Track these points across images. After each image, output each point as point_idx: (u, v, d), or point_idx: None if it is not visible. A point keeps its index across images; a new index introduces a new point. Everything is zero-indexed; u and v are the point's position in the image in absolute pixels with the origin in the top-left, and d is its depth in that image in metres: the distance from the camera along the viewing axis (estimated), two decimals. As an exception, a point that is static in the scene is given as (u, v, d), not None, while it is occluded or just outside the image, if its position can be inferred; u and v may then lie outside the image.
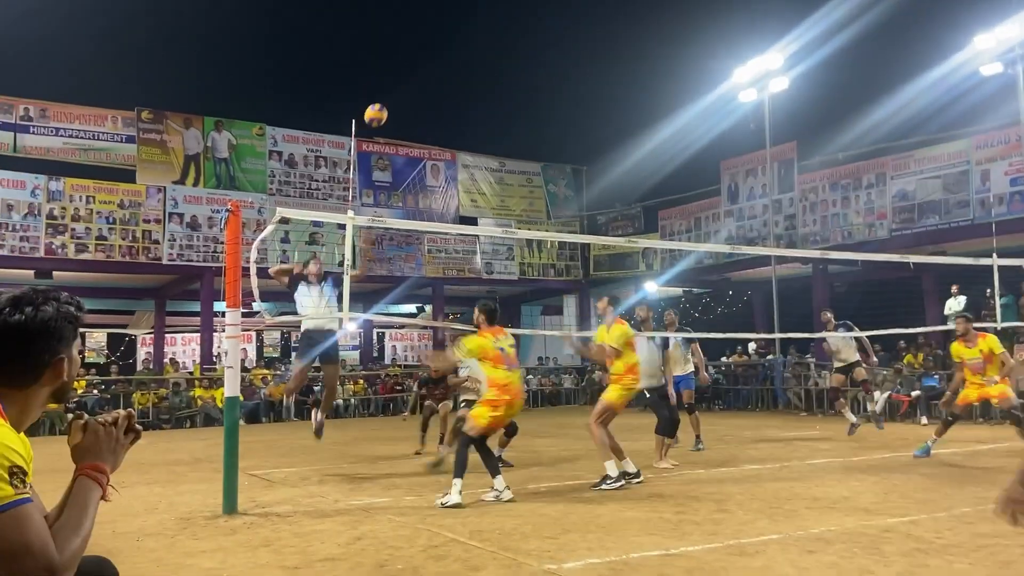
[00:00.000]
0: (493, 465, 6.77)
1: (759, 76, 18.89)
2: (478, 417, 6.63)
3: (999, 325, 12.53)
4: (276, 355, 26.78)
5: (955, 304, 15.61)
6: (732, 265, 21.72)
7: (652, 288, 24.67)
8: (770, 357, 18.69)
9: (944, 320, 15.89)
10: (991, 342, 8.93)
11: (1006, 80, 15.10)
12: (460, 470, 6.49)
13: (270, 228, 8.37)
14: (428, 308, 26.45)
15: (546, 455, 9.99)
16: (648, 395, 8.81)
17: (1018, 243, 13.96)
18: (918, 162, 18.18)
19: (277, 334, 27.69)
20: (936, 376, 15.01)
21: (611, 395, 7.39)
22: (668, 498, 6.61)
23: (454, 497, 6.37)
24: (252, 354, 25.96)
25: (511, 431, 8.59)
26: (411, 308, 27.51)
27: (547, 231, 24.50)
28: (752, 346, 20.33)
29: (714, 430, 12.13)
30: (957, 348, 9.14)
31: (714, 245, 19.65)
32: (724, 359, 20.40)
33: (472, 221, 23.84)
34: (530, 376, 22.47)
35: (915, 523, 5.41)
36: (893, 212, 18.48)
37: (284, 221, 7.32)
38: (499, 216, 25.01)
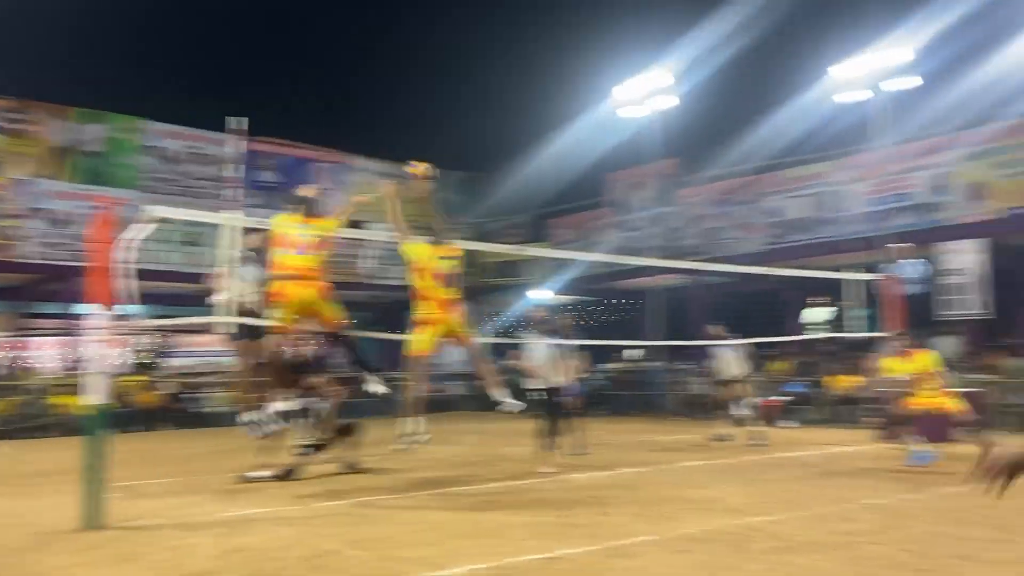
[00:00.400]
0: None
1: (646, 93, 19.57)
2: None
3: (853, 335, 13.44)
4: (150, 360, 25.48)
5: (814, 314, 16.60)
6: (619, 275, 22.35)
7: (541, 296, 25.06)
8: (652, 364, 19.31)
9: (804, 329, 16.88)
10: (927, 359, 8.80)
11: (864, 107, 16.25)
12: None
13: (142, 226, 7.97)
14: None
15: (432, 462, 9.95)
16: (539, 397, 8.96)
17: (873, 259, 15.02)
18: (787, 181, 19.32)
19: (151, 338, 26.33)
20: (799, 382, 15.94)
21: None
22: (551, 502, 6.73)
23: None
24: (125, 359, 24.60)
25: (348, 431, 8.88)
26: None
27: (437, 237, 24.44)
28: (636, 353, 20.94)
29: (597, 435, 12.42)
30: (891, 363, 8.97)
31: (600, 256, 20.16)
32: (609, 365, 20.91)
33: (360, 225, 23.50)
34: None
35: (778, 522, 5.73)
36: (765, 228, 19.56)
37: (159, 220, 6.98)
38: (388, 220, 24.76)
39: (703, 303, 20.88)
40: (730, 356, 11.82)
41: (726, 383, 12.06)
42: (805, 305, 17.04)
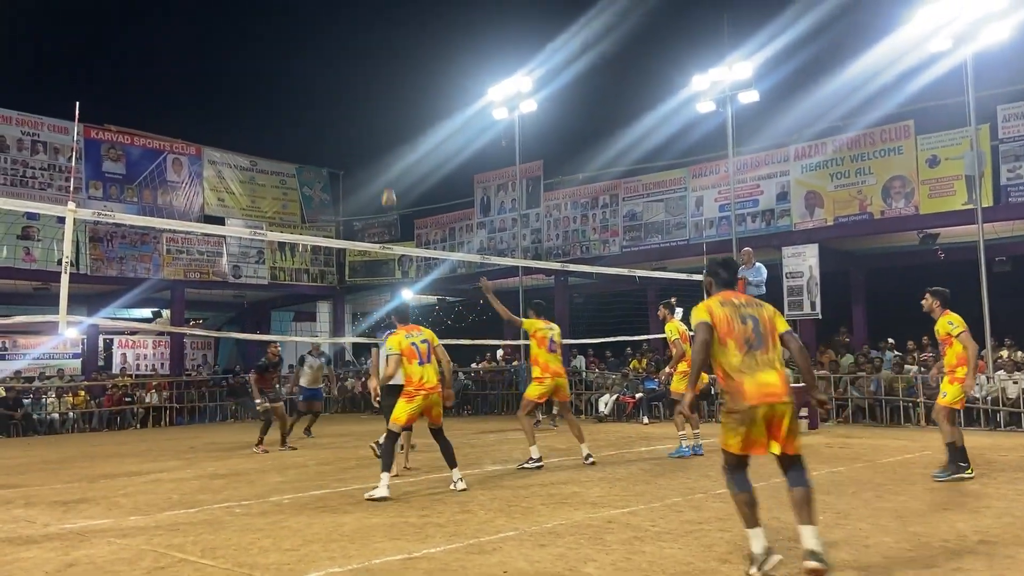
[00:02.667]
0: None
1: (511, 96, 19.82)
2: (398, 411, 7.15)
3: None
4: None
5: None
6: (484, 275, 22.52)
7: (408, 296, 24.87)
8: (515, 363, 19.59)
9: (662, 329, 17.62)
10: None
11: (718, 117, 17.19)
12: (388, 464, 6.94)
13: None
14: (166, 313, 24.53)
15: (292, 466, 9.66)
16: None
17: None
18: (645, 186, 20.17)
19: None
20: (656, 380, 16.63)
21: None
22: (413, 502, 6.69)
23: (382, 490, 6.75)
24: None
25: (316, 413, 10.56)
26: (146, 313, 25.34)
27: (301, 235, 23.79)
28: (500, 352, 21.18)
29: (461, 434, 12.48)
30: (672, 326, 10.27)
31: (466, 255, 20.26)
32: (473, 365, 21.05)
33: (219, 221, 22.49)
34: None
35: (634, 513, 5.95)
36: (624, 231, 20.32)
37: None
38: (249, 217, 23.86)
39: (566, 303, 21.38)
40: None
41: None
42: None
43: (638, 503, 6.38)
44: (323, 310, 26.68)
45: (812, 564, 3.73)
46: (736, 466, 4.05)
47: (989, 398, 13.04)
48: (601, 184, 21.06)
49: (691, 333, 4.35)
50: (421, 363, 7.22)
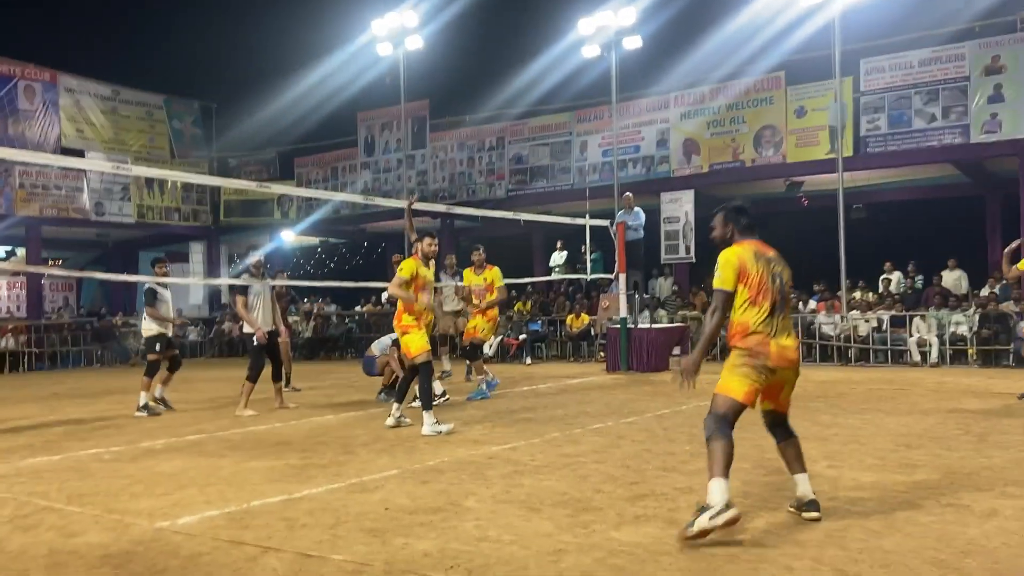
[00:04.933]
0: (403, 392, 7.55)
1: (396, 32, 19.26)
2: (419, 342, 7.20)
3: (589, 277, 14.56)
4: None
5: (558, 258, 17.72)
6: (368, 217, 22.13)
7: (288, 237, 24.14)
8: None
9: (549, 271, 17.97)
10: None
11: (605, 64, 17.35)
12: (428, 401, 7.10)
13: None
14: (21, 252, 22.87)
15: (165, 413, 9.33)
16: (255, 341, 8.78)
17: (606, 207, 16.29)
18: (531, 130, 20.22)
19: None
20: (539, 321, 17.00)
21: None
22: (295, 444, 6.62)
23: (437, 427, 6.84)
24: None
25: (174, 367, 9.40)
26: (-2, 251, 23.59)
27: (171, 170, 22.53)
28: (385, 296, 20.99)
29: (346, 377, 12.39)
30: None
31: (349, 195, 19.81)
32: (358, 308, 20.81)
33: (79, 154, 20.95)
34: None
35: (515, 449, 6.12)
36: (510, 174, 20.37)
37: None
38: (112, 150, 22.32)
39: (452, 246, 21.32)
40: (448, 291, 11.99)
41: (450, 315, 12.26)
42: (554, 250, 18.10)
43: (519, 439, 6.55)
44: (196, 251, 25.54)
45: (813, 515, 3.95)
46: (732, 414, 3.88)
47: (842, 336, 14.08)
48: (488, 127, 20.94)
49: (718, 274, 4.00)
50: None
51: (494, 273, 10.03)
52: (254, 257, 9.66)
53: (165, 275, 9.36)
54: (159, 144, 23.94)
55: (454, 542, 3.73)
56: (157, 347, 9.18)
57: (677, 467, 5.37)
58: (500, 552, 3.57)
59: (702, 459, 5.61)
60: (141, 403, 8.98)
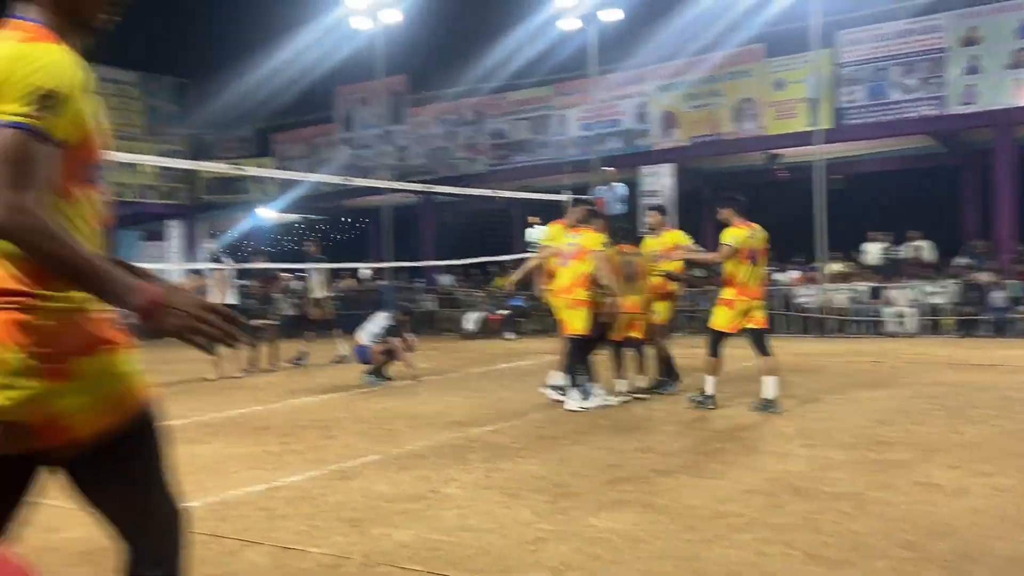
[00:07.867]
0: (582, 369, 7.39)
1: (374, 4, 18.95)
2: (580, 320, 7.25)
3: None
4: None
5: (534, 234, 17.67)
6: (347, 193, 21.93)
7: (267, 214, 23.92)
8: (382, 283, 19.43)
9: (526, 247, 17.92)
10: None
11: (584, 36, 17.21)
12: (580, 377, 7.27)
13: None
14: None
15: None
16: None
17: (586, 181, 16.24)
18: (511, 104, 20.06)
19: None
20: (521, 297, 17.01)
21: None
22: (274, 429, 6.61)
23: (589, 400, 7.10)
24: None
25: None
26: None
27: (144, 148, 22.17)
28: (366, 273, 20.92)
29: (326, 356, 12.36)
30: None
31: (327, 176, 19.59)
32: (341, 284, 20.70)
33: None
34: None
35: (496, 432, 6.15)
36: (490, 149, 20.24)
37: None
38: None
39: (432, 222, 21.25)
40: (317, 276, 11.96)
41: (317, 302, 12.21)
42: (527, 224, 18.02)
43: (501, 421, 6.59)
44: (174, 229, 25.27)
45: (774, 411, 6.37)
46: (721, 339, 6.63)
47: (820, 307, 14.22)
48: (467, 101, 20.75)
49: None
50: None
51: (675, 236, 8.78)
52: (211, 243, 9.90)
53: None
54: (133, 121, 23.55)
55: (434, 532, 3.75)
56: None
57: (655, 447, 5.42)
58: (479, 542, 3.60)
59: (681, 438, 5.69)
60: None
